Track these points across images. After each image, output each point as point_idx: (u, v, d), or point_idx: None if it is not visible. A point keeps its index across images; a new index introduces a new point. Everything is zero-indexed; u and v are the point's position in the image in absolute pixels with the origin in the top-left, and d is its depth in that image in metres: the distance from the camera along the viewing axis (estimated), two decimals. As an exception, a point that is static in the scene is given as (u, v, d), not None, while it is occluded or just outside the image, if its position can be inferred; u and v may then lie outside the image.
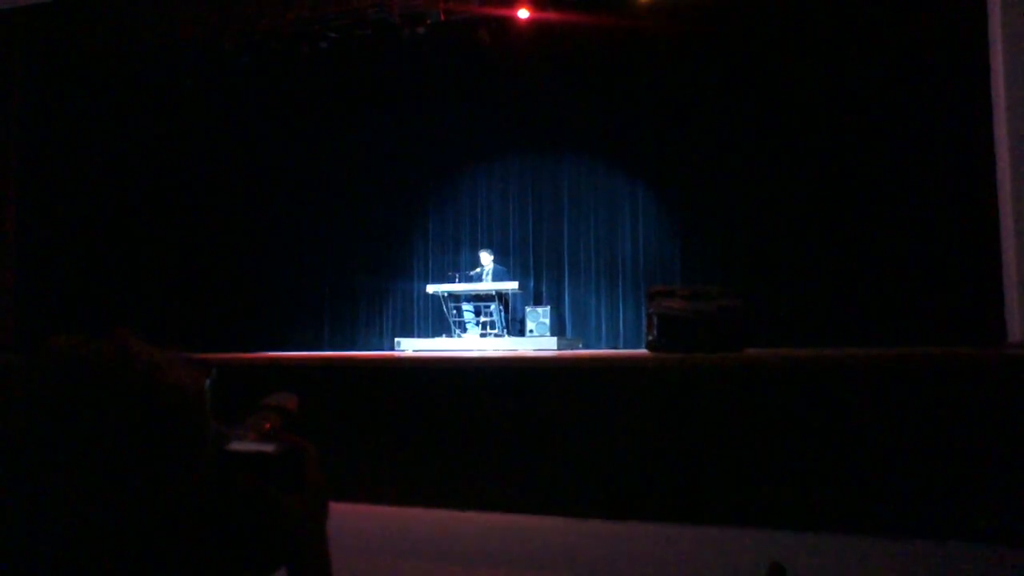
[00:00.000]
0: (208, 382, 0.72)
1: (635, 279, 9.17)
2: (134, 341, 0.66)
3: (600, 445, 4.07)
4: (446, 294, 9.05)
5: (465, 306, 9.11)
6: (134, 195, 10.00)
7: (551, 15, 8.59)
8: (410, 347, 8.78)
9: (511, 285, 8.74)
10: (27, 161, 8.89)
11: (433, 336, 9.43)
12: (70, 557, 0.59)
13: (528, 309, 9.07)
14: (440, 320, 9.52)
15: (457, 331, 9.06)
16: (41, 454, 0.60)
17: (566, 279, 9.58)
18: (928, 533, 3.41)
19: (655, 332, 5.22)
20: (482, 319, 8.95)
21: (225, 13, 8.25)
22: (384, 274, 10.25)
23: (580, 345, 8.94)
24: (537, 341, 8.44)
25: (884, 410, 3.68)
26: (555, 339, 8.39)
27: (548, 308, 9.00)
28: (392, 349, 9.09)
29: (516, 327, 9.13)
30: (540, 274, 9.71)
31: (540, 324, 8.83)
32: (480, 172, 10.05)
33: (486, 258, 9.15)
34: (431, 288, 9.20)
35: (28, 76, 8.95)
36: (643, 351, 6.02)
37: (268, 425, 0.90)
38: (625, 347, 8.98)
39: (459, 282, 9.02)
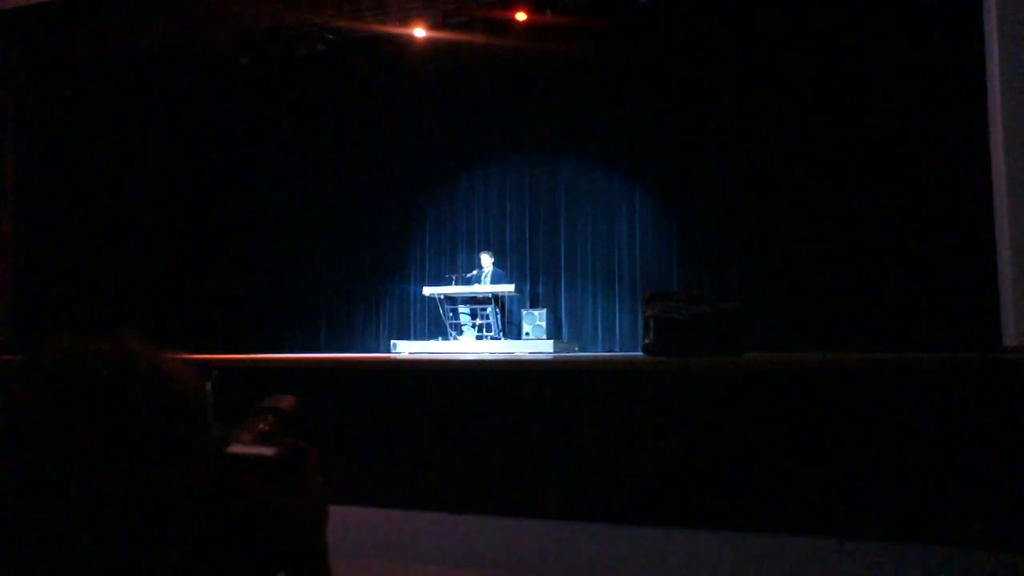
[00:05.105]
0: (209, 384, 0.71)
1: (632, 282, 9.17)
2: (136, 342, 0.66)
3: (596, 449, 4.07)
4: (442, 296, 9.04)
5: (461, 308, 9.09)
6: (131, 196, 9.97)
7: (548, 18, 8.60)
8: (406, 350, 8.77)
9: (507, 288, 8.73)
10: (24, 161, 8.86)
11: (429, 339, 9.42)
12: (69, 559, 0.59)
13: (524, 312, 9.06)
14: (436, 323, 9.51)
15: (453, 334, 9.04)
16: (41, 456, 0.60)
17: (563, 282, 9.57)
18: (924, 537, 3.41)
19: (652, 336, 5.22)
20: (478, 322, 8.94)
21: (223, 14, 8.24)
22: (380, 276, 10.24)
23: (576, 348, 8.94)
24: (533, 344, 8.43)
25: (880, 415, 3.68)
26: (551, 342, 8.38)
27: (544, 311, 8.99)
28: (388, 352, 9.08)
29: (512, 330, 9.12)
30: (536, 277, 9.71)
31: (536, 327, 8.82)
32: (477, 175, 10.05)
33: (486, 260, 9.14)
34: (428, 290, 9.19)
35: (25, 76, 8.92)
36: (639, 355, 6.02)
37: (266, 427, 0.89)
38: (621, 351, 8.98)
39: (456, 284, 9.01)
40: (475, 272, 9.10)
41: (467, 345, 8.71)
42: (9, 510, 0.58)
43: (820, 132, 8.13)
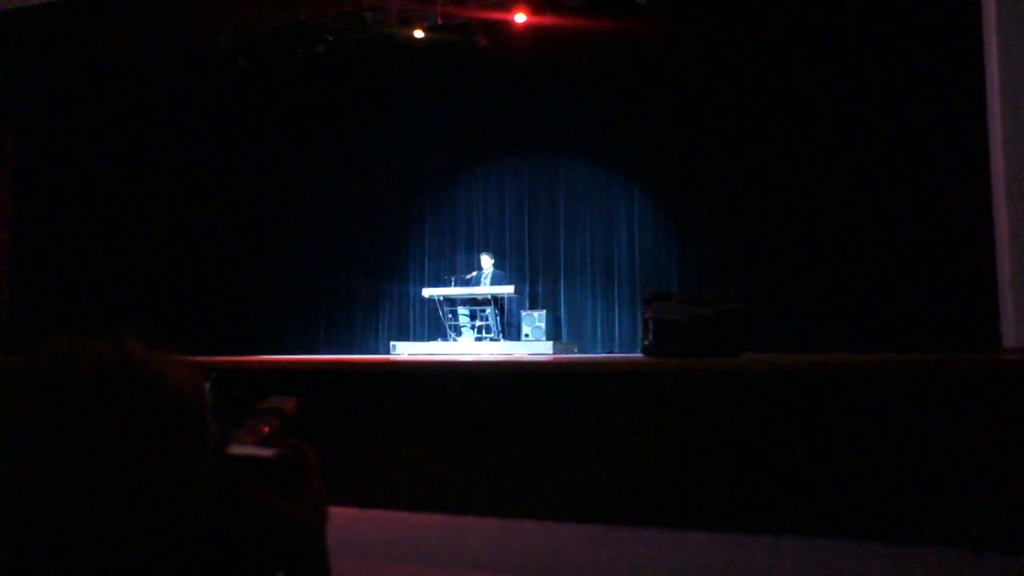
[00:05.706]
0: (208, 385, 0.71)
1: (631, 283, 9.17)
2: (135, 343, 0.66)
3: (595, 450, 4.07)
4: (442, 298, 9.04)
5: (461, 310, 9.09)
6: (130, 197, 9.96)
7: (547, 19, 8.60)
8: (405, 351, 8.76)
9: (507, 289, 8.73)
10: (23, 162, 8.86)
11: (428, 340, 9.41)
12: (69, 560, 0.59)
13: (524, 313, 9.05)
14: (436, 324, 9.51)
15: (452, 335, 9.04)
16: (39, 456, 0.60)
17: (562, 283, 9.57)
18: (923, 538, 3.41)
19: (651, 337, 5.22)
20: (478, 323, 8.93)
21: (222, 15, 8.24)
22: (380, 278, 10.24)
23: (576, 349, 8.94)
24: (533, 345, 8.42)
25: (879, 415, 3.68)
26: (551, 343, 8.37)
27: (544, 312, 8.98)
28: (387, 353, 9.07)
29: (512, 331, 9.12)
30: (536, 278, 9.71)
31: (536, 328, 8.81)
32: (476, 176, 10.05)
33: (486, 261, 9.14)
34: (427, 292, 9.18)
35: (25, 77, 8.92)
36: (639, 355, 6.02)
37: (266, 429, 0.89)
38: (621, 351, 8.98)
39: (455, 286, 9.00)
40: (475, 273, 9.10)
41: (466, 346, 8.71)
42: (9, 511, 0.58)
43: (820, 132, 8.13)
